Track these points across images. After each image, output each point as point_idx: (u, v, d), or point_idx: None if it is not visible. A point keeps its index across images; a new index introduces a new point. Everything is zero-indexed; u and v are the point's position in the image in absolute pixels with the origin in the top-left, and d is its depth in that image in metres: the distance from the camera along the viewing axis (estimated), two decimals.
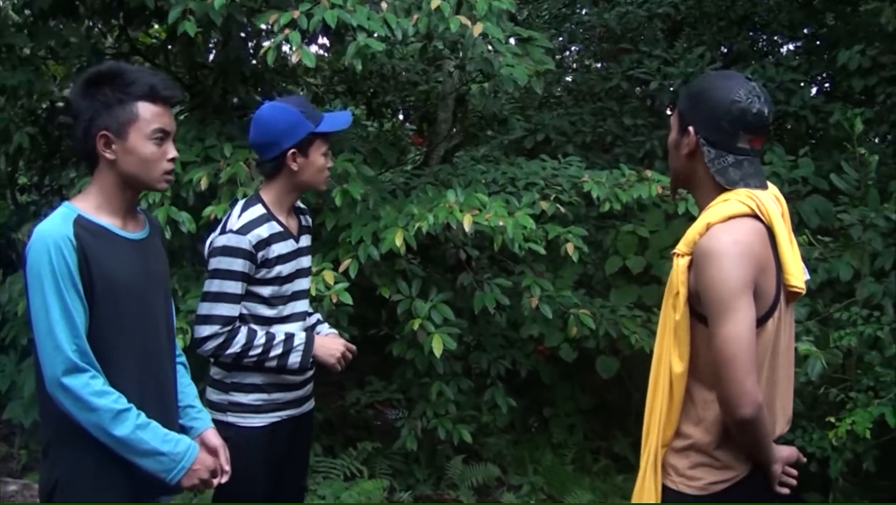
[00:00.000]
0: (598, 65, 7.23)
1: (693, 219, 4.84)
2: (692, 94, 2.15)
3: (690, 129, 2.10)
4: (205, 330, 2.65)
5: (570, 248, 4.20)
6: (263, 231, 2.67)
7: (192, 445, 2.24)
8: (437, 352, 4.06)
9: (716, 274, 1.97)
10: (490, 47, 4.13)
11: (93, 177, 2.24)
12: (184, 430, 2.37)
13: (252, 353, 2.66)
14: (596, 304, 5.00)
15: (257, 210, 2.70)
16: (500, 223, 3.89)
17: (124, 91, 2.17)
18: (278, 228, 2.72)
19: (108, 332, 2.15)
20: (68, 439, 2.14)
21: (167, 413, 2.30)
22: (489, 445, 5.24)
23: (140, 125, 2.17)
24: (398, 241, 3.94)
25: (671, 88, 5.64)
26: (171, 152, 2.24)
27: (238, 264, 2.64)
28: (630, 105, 6.33)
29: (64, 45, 4.68)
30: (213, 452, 2.36)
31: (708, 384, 2.06)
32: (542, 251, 4.10)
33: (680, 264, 2.08)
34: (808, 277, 2.18)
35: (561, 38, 7.28)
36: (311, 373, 2.90)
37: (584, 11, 6.87)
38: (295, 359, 2.72)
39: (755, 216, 2.04)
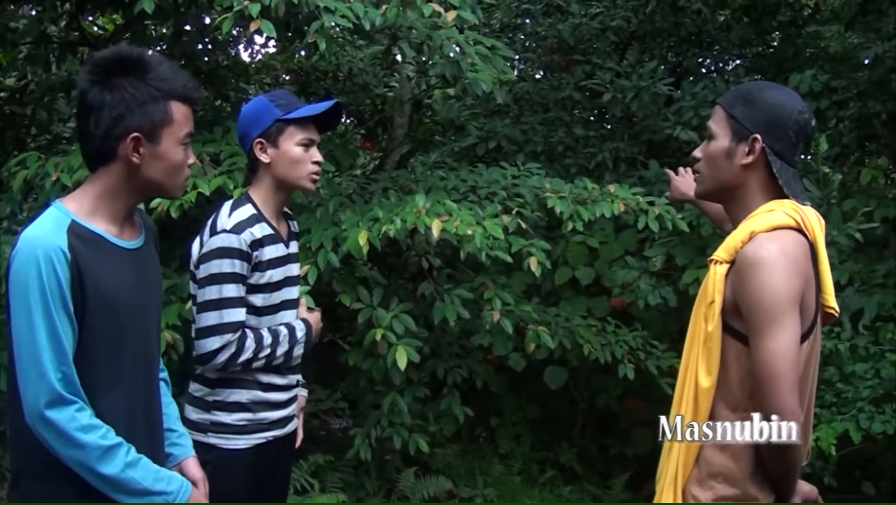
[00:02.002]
0: (540, 75, 7.23)
1: (642, 231, 4.92)
2: (751, 101, 2.03)
3: (757, 137, 1.99)
4: (215, 342, 2.46)
5: (533, 262, 4.10)
6: (256, 231, 2.53)
7: (184, 484, 2.03)
8: (402, 364, 3.94)
9: (764, 283, 1.87)
10: (458, 48, 4.05)
11: (94, 175, 1.99)
12: None
13: (262, 354, 2.53)
14: (550, 313, 4.97)
15: (247, 210, 2.56)
16: (469, 231, 3.80)
17: (158, 87, 1.94)
18: (269, 231, 2.58)
19: (98, 355, 1.93)
20: (44, 473, 1.92)
21: (154, 443, 2.10)
22: (438, 455, 5.17)
23: (174, 129, 1.96)
24: (362, 241, 3.77)
25: (625, 101, 5.66)
26: (192, 157, 2.07)
27: (236, 266, 2.48)
28: (580, 116, 6.34)
29: (11, 32, 4.42)
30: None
31: (734, 405, 1.95)
32: (509, 259, 4.02)
33: (718, 272, 1.97)
34: None
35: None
36: (295, 391, 2.76)
37: (529, 21, 6.85)
38: (299, 351, 2.63)
39: (799, 230, 1.97)
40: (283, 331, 2.60)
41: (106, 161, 1.97)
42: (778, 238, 1.93)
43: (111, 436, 1.90)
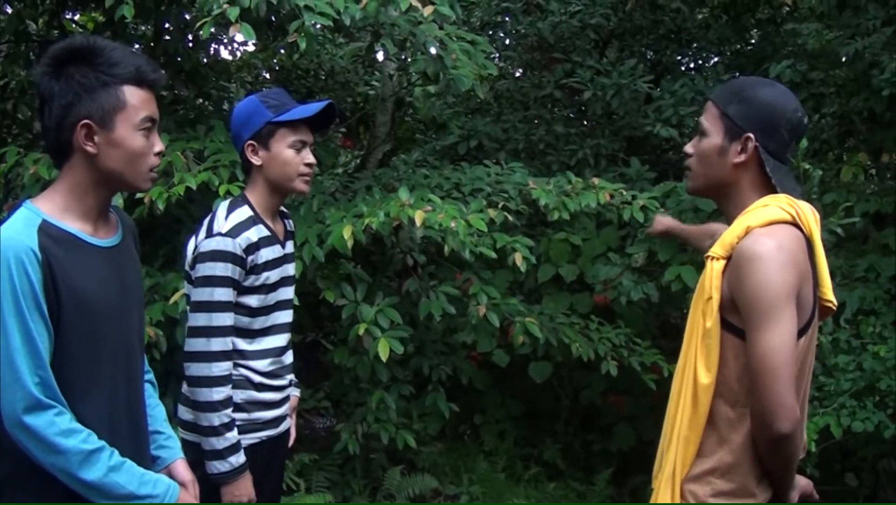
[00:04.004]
0: (520, 73, 7.25)
1: (624, 226, 4.94)
2: (744, 99, 2.00)
3: (749, 136, 1.98)
4: (199, 343, 2.43)
5: (518, 258, 4.11)
6: (253, 234, 2.50)
7: (171, 486, 1.98)
8: (384, 356, 3.92)
9: (760, 278, 1.85)
10: (440, 43, 4.04)
11: (61, 172, 1.93)
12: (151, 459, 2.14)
13: (224, 425, 2.45)
14: (535, 310, 4.98)
15: (244, 212, 2.53)
16: (453, 224, 3.79)
17: (108, 72, 1.87)
18: (266, 232, 2.55)
19: (76, 358, 1.87)
20: (27, 480, 1.87)
21: (139, 447, 2.04)
22: (424, 454, 5.16)
23: (128, 113, 1.88)
24: (346, 235, 3.74)
25: (605, 99, 5.68)
26: (158, 145, 1.97)
27: (229, 269, 2.44)
28: (561, 114, 6.36)
29: None
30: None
31: (732, 401, 1.94)
32: (493, 255, 4.02)
33: (714, 268, 1.95)
34: None
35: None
36: (289, 390, 2.74)
37: (509, 20, 6.87)
38: (219, 465, 2.46)
39: (795, 224, 1.96)
40: (236, 438, 2.49)
41: (66, 155, 1.91)
42: (774, 233, 1.92)
43: (92, 440, 1.85)
